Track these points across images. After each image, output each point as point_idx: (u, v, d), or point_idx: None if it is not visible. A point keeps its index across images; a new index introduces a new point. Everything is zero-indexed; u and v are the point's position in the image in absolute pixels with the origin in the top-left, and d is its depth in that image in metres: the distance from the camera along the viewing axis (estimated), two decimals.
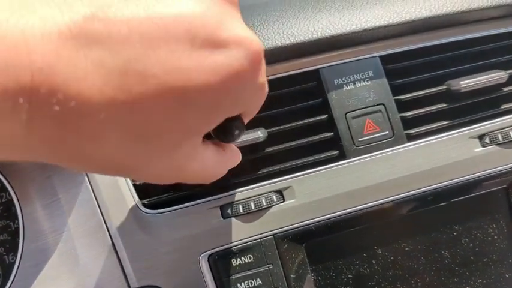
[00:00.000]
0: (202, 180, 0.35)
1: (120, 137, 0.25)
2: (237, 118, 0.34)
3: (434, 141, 0.50)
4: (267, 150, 0.49)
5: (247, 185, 0.47)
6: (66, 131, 0.23)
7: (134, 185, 0.47)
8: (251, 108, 0.33)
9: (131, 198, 0.46)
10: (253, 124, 0.48)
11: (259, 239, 0.46)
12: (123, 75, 0.22)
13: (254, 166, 0.49)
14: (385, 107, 0.50)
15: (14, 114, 0.21)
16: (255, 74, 0.27)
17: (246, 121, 0.36)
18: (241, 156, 0.41)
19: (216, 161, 0.35)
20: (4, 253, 0.49)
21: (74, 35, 0.21)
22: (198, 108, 0.26)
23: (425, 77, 0.52)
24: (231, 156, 0.39)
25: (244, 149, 0.47)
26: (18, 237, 0.48)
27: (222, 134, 0.35)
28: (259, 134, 0.47)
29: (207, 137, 0.35)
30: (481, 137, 0.50)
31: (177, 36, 0.23)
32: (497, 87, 0.52)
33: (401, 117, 0.50)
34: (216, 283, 0.45)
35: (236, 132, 0.34)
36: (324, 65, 0.51)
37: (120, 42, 0.22)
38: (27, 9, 0.21)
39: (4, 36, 0.20)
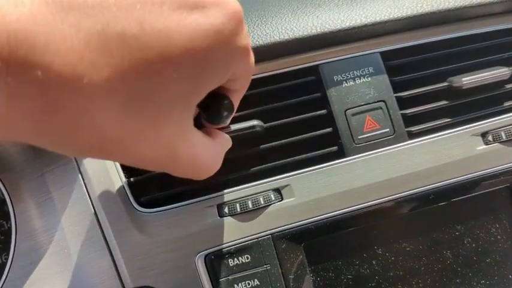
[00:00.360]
0: (194, 172, 0.34)
1: (105, 104, 0.24)
2: (225, 98, 0.34)
3: (435, 139, 0.49)
4: (264, 145, 0.48)
5: (245, 183, 0.46)
6: (48, 100, 0.22)
7: (129, 183, 0.46)
8: (238, 76, 0.32)
9: (126, 197, 0.46)
10: (251, 118, 0.47)
11: (257, 238, 0.45)
12: (103, 38, 0.22)
13: (251, 162, 0.47)
14: (386, 104, 0.49)
15: None
16: (236, 33, 0.27)
17: (236, 100, 0.36)
18: (231, 142, 0.41)
19: (208, 151, 0.34)
20: None
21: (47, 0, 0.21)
22: (182, 71, 0.25)
23: (426, 73, 0.51)
24: (222, 145, 0.38)
25: (242, 145, 0.46)
26: (10, 236, 0.47)
27: (210, 114, 0.34)
28: (255, 123, 0.46)
29: (197, 126, 0.34)
30: (483, 135, 0.49)
31: None
32: (500, 84, 0.52)
33: (402, 114, 0.49)
34: (212, 284, 0.44)
35: (225, 113, 0.34)
36: (324, 61, 0.50)
37: (96, 6, 0.22)
38: None
39: None
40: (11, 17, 0.20)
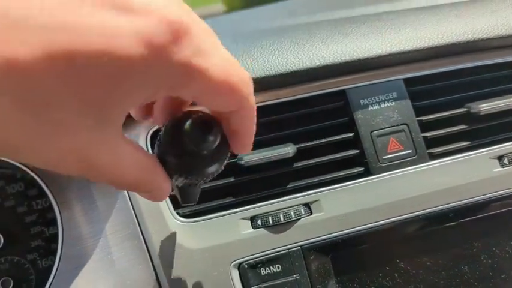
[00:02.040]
0: (114, 181, 0.29)
1: (1, 102, 0.20)
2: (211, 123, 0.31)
3: (455, 160, 0.52)
4: (295, 165, 0.51)
5: (277, 198, 0.50)
6: None
7: (169, 196, 0.49)
8: (201, 99, 0.27)
9: (166, 208, 0.49)
10: (284, 140, 0.51)
11: (287, 249, 0.48)
12: (3, 26, 0.19)
13: (283, 180, 0.51)
14: (409, 127, 0.52)
15: None
16: (171, 45, 0.23)
17: (238, 141, 0.33)
18: (170, 188, 0.34)
19: (135, 164, 0.29)
20: (38, 258, 0.51)
21: None
22: (93, 77, 0.21)
23: (447, 99, 0.55)
24: (157, 171, 0.32)
25: (274, 164, 0.50)
26: (53, 242, 0.50)
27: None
28: (289, 150, 0.49)
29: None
30: (500, 158, 0.53)
31: None
32: None
33: (424, 137, 0.52)
34: None
35: (208, 138, 0.30)
36: (351, 86, 0.53)
37: None
38: None
39: None
40: None
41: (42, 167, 0.26)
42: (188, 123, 0.30)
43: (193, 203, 0.40)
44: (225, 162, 0.34)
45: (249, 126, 0.32)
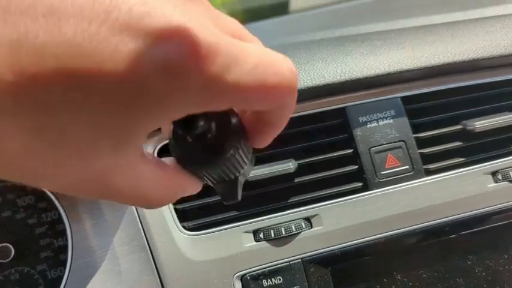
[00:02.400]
0: (136, 202, 0.29)
1: (14, 129, 0.20)
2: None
3: (450, 176, 0.54)
4: (296, 180, 0.53)
5: (278, 212, 0.52)
6: None
7: (175, 209, 0.51)
8: (211, 108, 0.24)
9: (172, 222, 0.51)
10: (285, 156, 0.53)
11: (289, 262, 0.50)
12: (16, 51, 0.18)
13: (285, 195, 0.53)
14: (406, 144, 0.54)
15: None
16: (191, 69, 0.21)
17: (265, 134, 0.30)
18: (200, 185, 0.33)
19: (156, 183, 0.29)
20: (47, 269, 0.53)
21: None
22: (110, 104, 0.21)
23: (442, 116, 0.56)
24: (181, 181, 0.31)
25: (276, 179, 0.52)
26: (62, 253, 0.52)
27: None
28: (291, 166, 0.51)
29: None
30: (494, 174, 0.54)
31: (92, 16, 0.19)
32: (509, 128, 0.57)
33: (421, 153, 0.54)
34: None
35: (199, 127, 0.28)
36: (350, 104, 0.55)
37: (19, 13, 0.18)
38: None
39: None
40: None
41: (63, 192, 0.25)
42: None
43: (233, 201, 0.36)
44: (245, 151, 0.30)
45: (282, 123, 0.30)
